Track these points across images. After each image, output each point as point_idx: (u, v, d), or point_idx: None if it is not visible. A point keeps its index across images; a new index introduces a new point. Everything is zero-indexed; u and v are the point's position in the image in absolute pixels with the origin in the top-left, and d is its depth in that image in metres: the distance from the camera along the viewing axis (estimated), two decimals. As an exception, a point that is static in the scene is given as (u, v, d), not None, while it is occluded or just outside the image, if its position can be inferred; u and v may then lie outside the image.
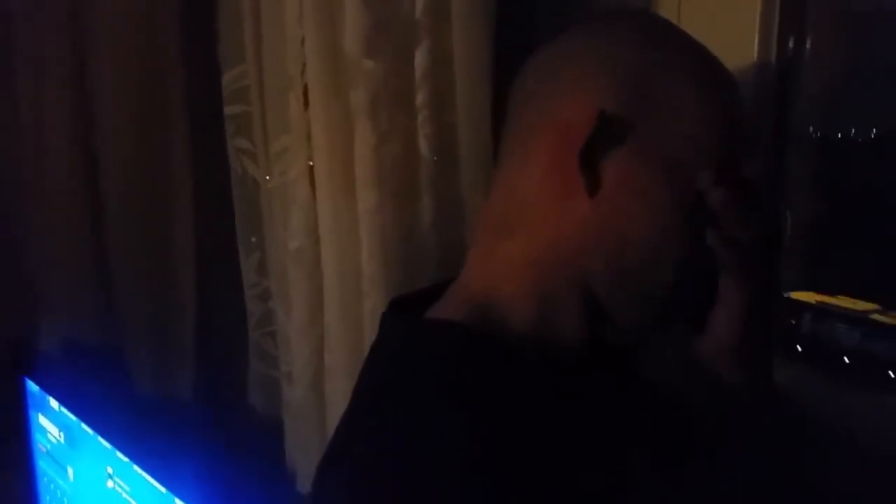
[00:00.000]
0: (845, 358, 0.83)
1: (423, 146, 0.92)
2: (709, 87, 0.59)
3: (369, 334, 0.93)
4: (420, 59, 0.91)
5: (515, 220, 0.61)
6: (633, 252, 0.58)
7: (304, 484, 1.10)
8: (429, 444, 0.53)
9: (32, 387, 1.60)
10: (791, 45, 0.92)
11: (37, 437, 1.63)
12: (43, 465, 1.63)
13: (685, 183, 0.58)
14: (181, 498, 1.16)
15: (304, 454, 1.09)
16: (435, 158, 0.93)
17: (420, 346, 0.61)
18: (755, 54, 0.90)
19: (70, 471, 1.50)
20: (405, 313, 0.65)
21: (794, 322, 0.87)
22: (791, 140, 0.94)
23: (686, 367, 0.70)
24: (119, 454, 1.30)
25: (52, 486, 1.60)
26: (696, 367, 0.67)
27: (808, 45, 0.94)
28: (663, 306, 0.61)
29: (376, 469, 0.54)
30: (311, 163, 1.01)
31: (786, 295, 0.90)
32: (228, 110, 1.23)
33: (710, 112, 0.59)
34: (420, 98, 0.91)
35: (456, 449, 0.52)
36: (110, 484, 1.34)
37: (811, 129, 0.95)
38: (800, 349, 0.87)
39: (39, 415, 1.59)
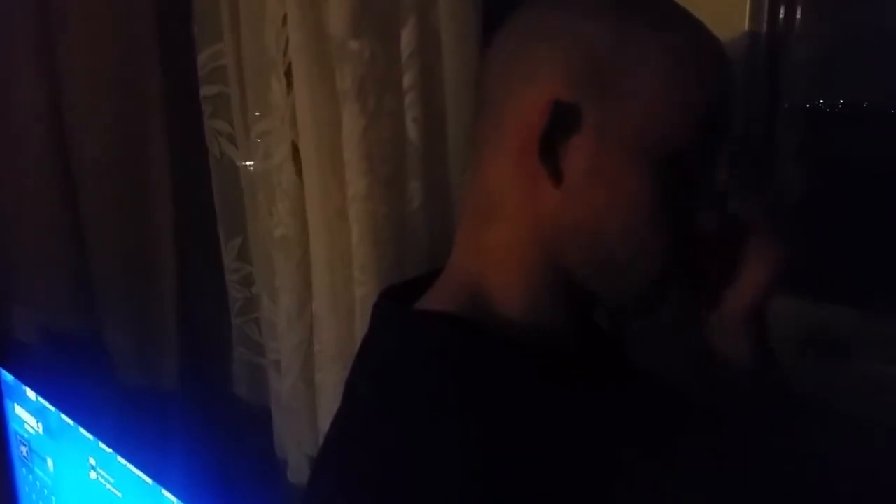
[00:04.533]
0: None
1: (411, 129, 0.90)
2: (678, 61, 0.55)
3: (361, 322, 0.92)
4: (407, 38, 0.88)
5: (494, 209, 0.59)
6: (611, 238, 0.57)
7: (295, 474, 1.08)
8: (422, 442, 0.52)
9: (7, 376, 1.56)
10: (782, 14, 0.91)
11: (13, 427, 1.60)
12: (20, 457, 1.60)
13: (652, 157, 0.55)
14: (168, 489, 1.14)
15: (294, 444, 1.07)
16: (422, 141, 0.90)
17: (412, 339, 0.60)
18: (746, 24, 0.89)
19: (50, 462, 1.47)
20: (396, 304, 0.64)
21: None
22: (780, 111, 0.94)
23: (685, 352, 0.69)
24: (101, 445, 1.27)
25: (31, 477, 1.57)
26: (697, 351, 0.66)
27: (798, 15, 0.93)
28: (654, 287, 0.60)
29: (370, 468, 0.53)
30: (296, 146, 0.98)
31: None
32: (205, 91, 1.19)
33: (679, 87, 0.55)
34: (407, 79, 0.89)
35: (449, 447, 0.51)
36: (93, 475, 1.32)
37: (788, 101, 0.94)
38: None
39: (15, 405, 1.56)
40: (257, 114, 1.07)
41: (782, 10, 0.91)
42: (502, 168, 0.58)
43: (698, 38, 0.58)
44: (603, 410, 0.61)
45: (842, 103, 0.97)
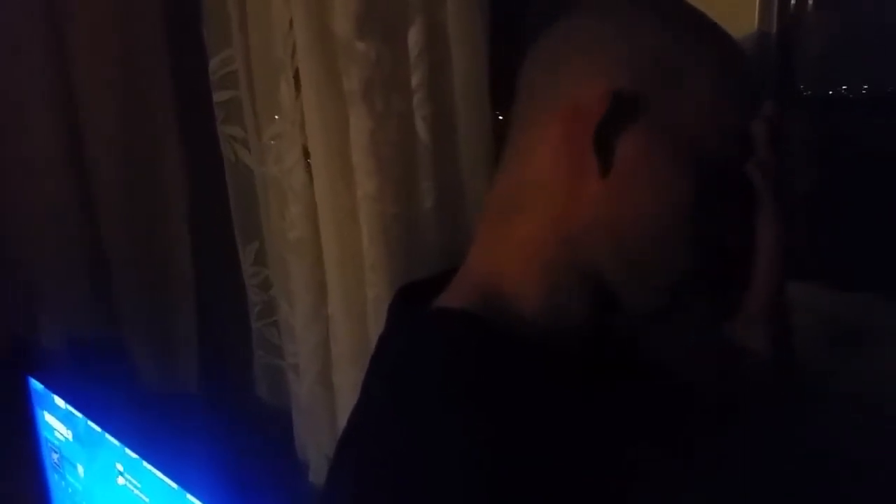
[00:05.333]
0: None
1: (421, 128, 0.89)
2: (726, 71, 0.58)
3: (374, 323, 0.92)
4: (414, 37, 0.88)
5: (524, 202, 0.59)
6: (644, 237, 0.57)
7: (316, 476, 1.08)
8: (434, 441, 0.52)
9: (37, 385, 1.59)
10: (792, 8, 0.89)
11: (44, 435, 1.62)
12: (52, 464, 1.62)
13: (697, 159, 0.56)
14: (192, 493, 1.15)
15: (315, 446, 1.08)
16: (433, 141, 0.90)
17: (424, 337, 0.59)
18: (756, 20, 0.88)
19: (80, 468, 1.49)
20: (412, 303, 0.64)
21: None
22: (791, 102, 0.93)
23: (703, 350, 0.68)
24: (128, 451, 1.29)
25: (63, 483, 1.59)
26: (716, 348, 0.65)
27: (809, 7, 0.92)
28: (675, 291, 0.60)
29: (383, 466, 0.53)
30: (307, 149, 0.99)
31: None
32: (217, 96, 1.20)
33: (726, 94, 0.57)
34: (415, 79, 0.88)
35: (461, 446, 0.51)
36: (121, 481, 1.33)
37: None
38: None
39: (45, 413, 1.58)
40: (275, 117, 1.07)
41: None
42: (541, 158, 0.58)
43: (736, 50, 0.60)
44: (615, 411, 0.60)
45: (865, 89, 0.96)
